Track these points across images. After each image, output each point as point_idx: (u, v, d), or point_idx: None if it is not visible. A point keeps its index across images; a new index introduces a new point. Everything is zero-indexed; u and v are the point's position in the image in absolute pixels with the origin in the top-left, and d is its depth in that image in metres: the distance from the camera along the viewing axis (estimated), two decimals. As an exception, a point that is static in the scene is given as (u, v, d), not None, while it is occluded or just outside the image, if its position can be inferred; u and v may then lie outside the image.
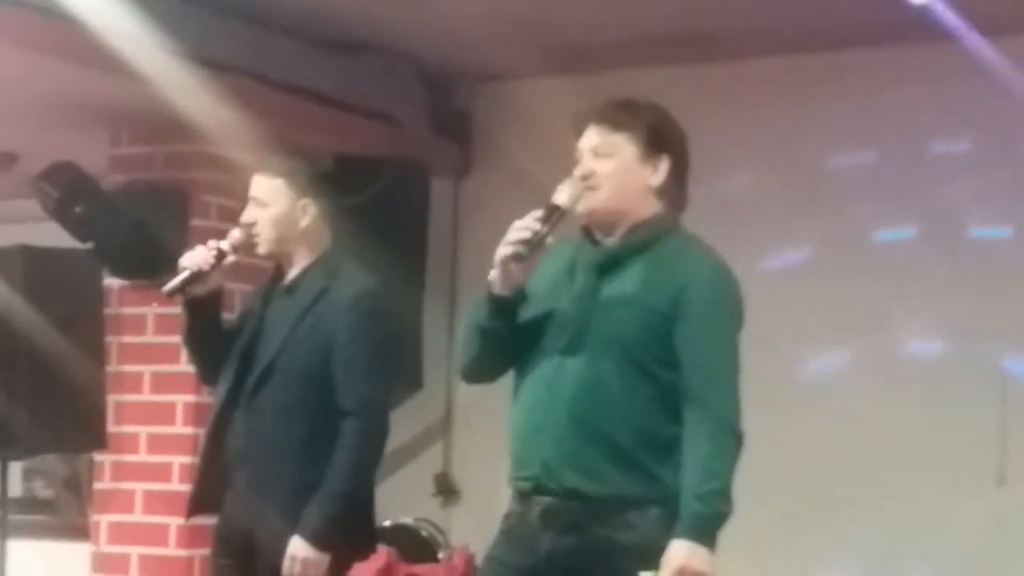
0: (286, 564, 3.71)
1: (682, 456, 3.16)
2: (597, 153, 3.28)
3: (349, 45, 5.73)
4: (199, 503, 3.96)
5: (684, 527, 3.10)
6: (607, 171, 3.26)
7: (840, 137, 5.63)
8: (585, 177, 3.26)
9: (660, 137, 3.29)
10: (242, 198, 5.59)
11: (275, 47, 5.50)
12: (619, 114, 3.30)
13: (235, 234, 3.88)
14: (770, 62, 5.66)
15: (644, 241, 3.27)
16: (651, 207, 3.29)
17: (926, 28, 4.89)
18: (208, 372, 4.01)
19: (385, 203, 5.62)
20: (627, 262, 3.26)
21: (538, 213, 3.21)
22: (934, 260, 5.46)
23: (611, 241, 3.30)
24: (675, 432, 3.18)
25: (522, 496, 3.27)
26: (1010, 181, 5.37)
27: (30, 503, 6.84)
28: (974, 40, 5.01)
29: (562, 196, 3.24)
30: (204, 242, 5.46)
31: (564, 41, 5.61)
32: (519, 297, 3.26)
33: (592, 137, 3.30)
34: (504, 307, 3.25)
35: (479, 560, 3.56)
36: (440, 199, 6.09)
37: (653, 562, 3.10)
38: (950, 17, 4.86)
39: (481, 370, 3.39)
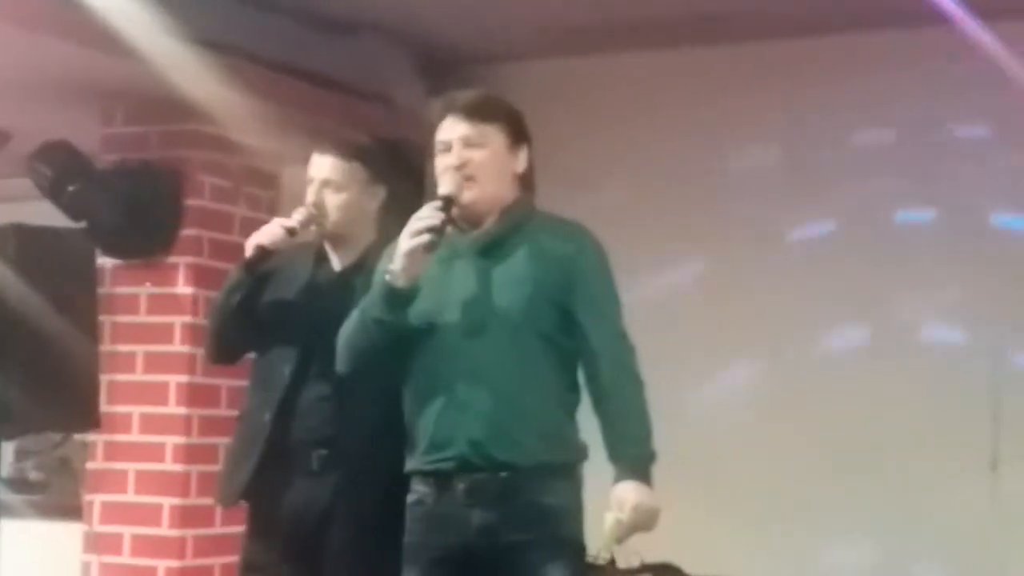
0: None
1: (601, 410, 3.36)
2: (469, 143, 3.42)
3: (346, 26, 5.71)
4: (250, 491, 3.84)
5: (627, 470, 3.31)
6: (481, 160, 3.42)
7: (860, 118, 5.61)
8: (461, 167, 3.40)
9: (521, 126, 3.49)
10: (236, 177, 5.65)
11: (271, 27, 5.49)
12: (485, 106, 3.47)
13: (302, 210, 3.85)
14: (774, 45, 5.65)
15: (518, 223, 3.44)
16: (514, 193, 3.47)
17: (933, 12, 4.89)
18: (233, 347, 3.95)
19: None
20: (506, 244, 3.43)
21: (436, 204, 3.36)
22: (932, 245, 5.46)
23: (484, 227, 3.44)
24: (576, 397, 3.42)
25: (439, 477, 3.37)
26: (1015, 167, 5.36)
27: (21, 483, 6.83)
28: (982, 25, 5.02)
29: (447, 187, 3.39)
30: (197, 222, 5.53)
31: (563, 23, 5.59)
32: (416, 289, 3.37)
33: (462, 128, 3.44)
34: (401, 300, 3.37)
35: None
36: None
37: (578, 520, 3.35)
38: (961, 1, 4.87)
39: (370, 360, 3.50)
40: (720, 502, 5.57)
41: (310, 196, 3.87)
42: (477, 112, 3.44)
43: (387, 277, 3.37)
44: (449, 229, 3.39)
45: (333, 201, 3.84)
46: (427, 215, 3.33)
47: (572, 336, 3.39)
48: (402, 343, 3.42)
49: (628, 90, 5.80)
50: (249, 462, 3.82)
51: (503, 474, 3.31)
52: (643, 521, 3.29)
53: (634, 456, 3.33)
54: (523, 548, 3.30)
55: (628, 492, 3.28)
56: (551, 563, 3.30)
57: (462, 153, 3.41)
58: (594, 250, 3.47)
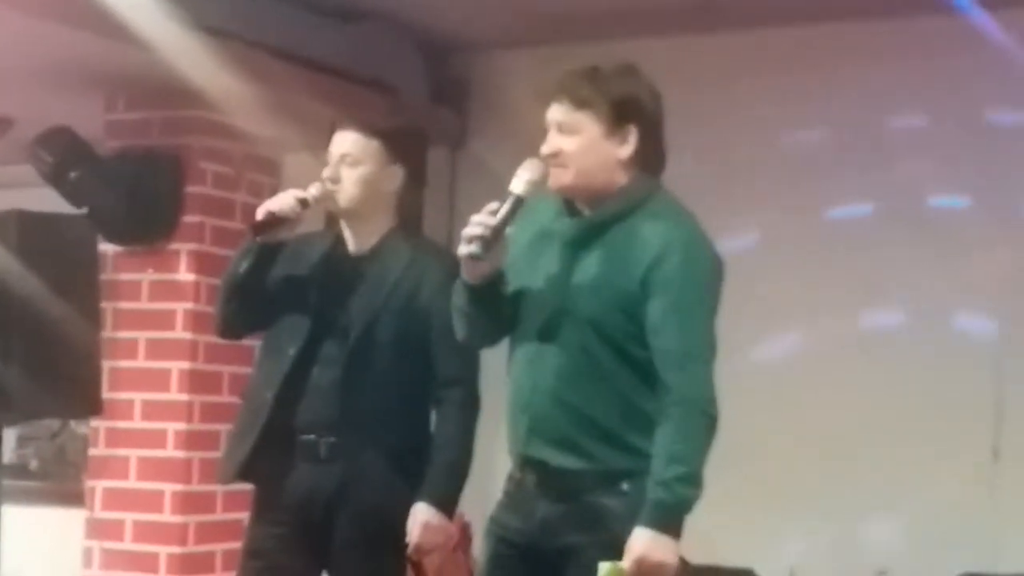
0: (415, 531, 3.66)
1: (654, 439, 3.14)
2: (562, 130, 3.26)
3: (347, 12, 5.71)
4: (249, 470, 3.83)
5: (646, 515, 3.10)
6: (573, 149, 3.24)
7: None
8: (552, 155, 3.25)
9: (626, 108, 3.25)
10: (238, 164, 5.65)
11: (273, 14, 5.47)
12: (582, 89, 3.25)
13: (318, 185, 3.81)
14: (769, 33, 5.64)
15: (616, 214, 3.24)
16: (623, 177, 3.26)
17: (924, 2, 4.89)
18: (240, 323, 3.91)
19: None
20: (600, 237, 3.24)
21: (494, 206, 3.20)
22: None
23: (586, 213, 3.28)
24: (657, 405, 3.17)
25: (519, 465, 3.31)
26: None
27: (23, 470, 6.84)
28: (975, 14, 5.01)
29: (520, 184, 3.22)
30: (199, 209, 5.53)
31: (565, 10, 5.58)
32: (496, 279, 3.25)
33: (557, 113, 3.27)
34: (481, 293, 3.26)
35: (476, 525, 3.57)
36: (437, 167, 6.07)
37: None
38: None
39: (480, 341, 3.42)
40: (723, 489, 5.52)
41: (327, 171, 3.83)
42: (571, 97, 3.24)
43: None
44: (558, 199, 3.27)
45: (349, 175, 3.81)
46: (480, 220, 3.18)
47: (648, 346, 3.16)
48: (507, 321, 3.30)
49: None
50: (248, 440, 3.80)
51: (565, 476, 3.20)
52: (647, 574, 3.10)
53: (657, 501, 3.10)
54: (581, 549, 3.19)
55: (637, 541, 3.09)
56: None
57: (556, 140, 3.26)
58: (680, 261, 3.16)
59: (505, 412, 3.32)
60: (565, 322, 3.21)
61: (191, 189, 5.55)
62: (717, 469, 5.50)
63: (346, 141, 3.84)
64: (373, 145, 3.83)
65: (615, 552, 3.10)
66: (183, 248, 5.55)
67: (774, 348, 5.67)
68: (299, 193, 3.78)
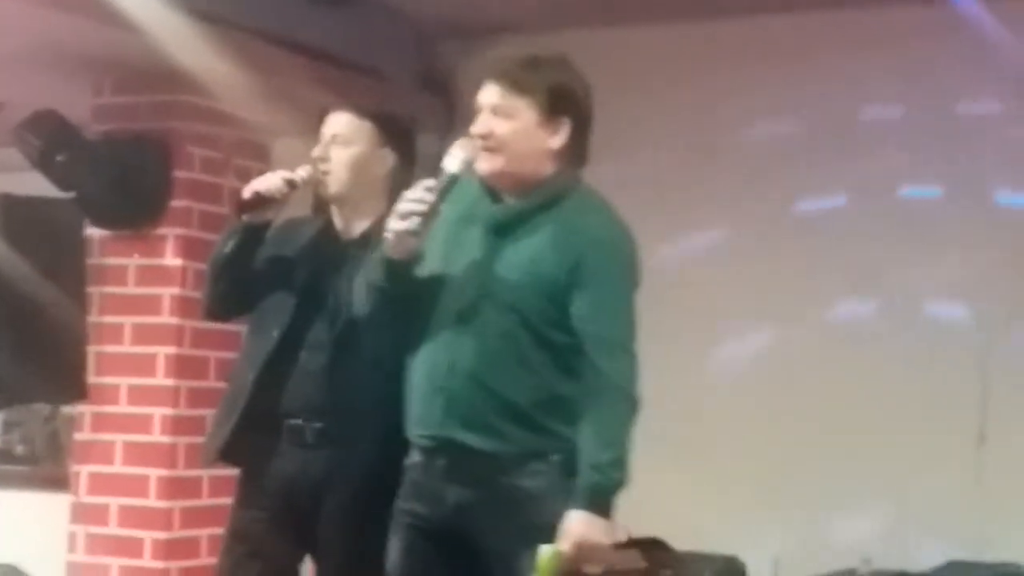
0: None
1: (580, 423, 3.20)
2: (496, 113, 3.29)
3: (337, -1, 5.69)
4: (230, 452, 3.82)
5: (581, 497, 3.16)
6: (505, 133, 3.28)
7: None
8: (484, 137, 3.28)
9: (562, 100, 3.31)
10: (226, 149, 5.63)
11: (262, -1, 5.46)
12: (522, 75, 3.29)
13: (307, 167, 3.79)
14: (767, 20, 5.64)
15: (541, 204, 3.30)
16: (549, 168, 3.31)
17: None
18: (225, 303, 3.89)
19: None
20: (524, 225, 3.29)
21: (429, 182, 3.25)
22: (930, 222, 5.45)
23: (508, 200, 3.32)
24: (572, 389, 3.23)
25: (424, 451, 3.33)
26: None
27: (9, 455, 6.83)
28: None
29: (454, 162, 3.27)
30: (186, 194, 5.51)
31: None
32: (416, 259, 3.30)
33: (493, 95, 3.31)
34: (400, 270, 3.30)
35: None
36: (426, 154, 6.05)
37: (555, 506, 3.16)
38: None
39: (384, 323, 3.44)
40: (708, 477, 5.58)
41: (317, 150, 3.82)
42: (510, 81, 3.28)
43: (384, 247, 3.30)
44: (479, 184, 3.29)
45: (339, 156, 3.79)
46: (416, 196, 3.24)
47: (569, 332, 3.23)
48: (413, 304, 3.34)
49: (630, 64, 5.78)
50: (229, 422, 3.80)
51: (479, 457, 3.24)
52: (585, 557, 3.15)
53: (593, 484, 3.16)
54: (497, 532, 3.24)
55: (574, 523, 3.14)
56: (524, 548, 3.18)
57: (489, 122, 3.29)
58: (605, 251, 3.26)
59: (410, 393, 3.34)
60: (486, 306, 3.25)
61: (179, 174, 5.53)
62: (702, 458, 5.57)
63: (338, 122, 3.83)
64: (365, 126, 3.82)
65: (533, 532, 3.15)
66: (170, 233, 5.53)
67: (758, 339, 5.67)
68: (287, 174, 3.77)
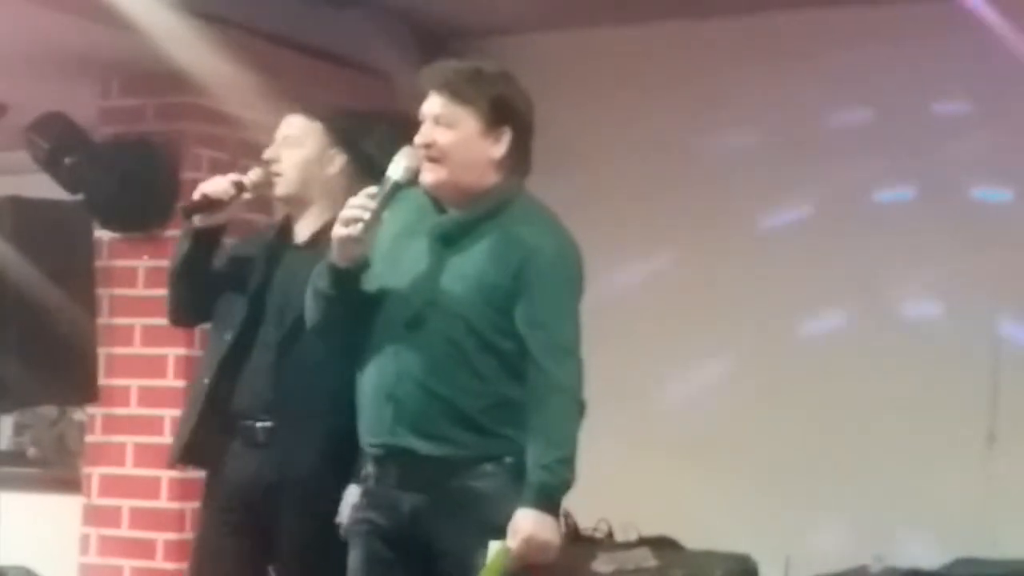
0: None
1: (528, 426, 3.24)
2: (439, 122, 3.32)
3: (342, -1, 5.70)
4: (191, 453, 3.88)
5: (530, 497, 3.19)
6: (448, 143, 3.31)
7: (839, 95, 5.60)
8: (426, 146, 3.31)
9: (503, 110, 3.34)
10: (233, 150, 5.63)
11: (268, 0, 5.47)
12: (464, 85, 3.33)
13: (257, 170, 3.81)
14: (767, 18, 5.63)
15: (485, 213, 3.33)
16: (492, 178, 3.34)
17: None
18: (185, 309, 3.93)
19: (377, 158, 5.58)
20: (469, 235, 3.32)
21: (372, 190, 3.27)
22: (930, 221, 5.45)
23: (453, 212, 3.35)
24: (521, 393, 3.27)
25: (377, 460, 3.36)
26: (1009, 142, 5.34)
27: (20, 457, 6.84)
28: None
29: (397, 170, 3.29)
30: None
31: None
32: (362, 266, 3.32)
33: (435, 105, 3.34)
34: (345, 277, 3.32)
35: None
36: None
37: (508, 506, 3.20)
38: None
39: (331, 331, 3.45)
40: (719, 476, 5.57)
41: (267, 151, 3.85)
42: (453, 91, 3.32)
43: (330, 254, 3.32)
44: (422, 199, 3.32)
45: (289, 157, 3.82)
46: (359, 203, 3.26)
47: (516, 338, 3.27)
48: (360, 313, 3.36)
49: (619, 64, 5.77)
50: (187, 425, 3.85)
51: (431, 463, 3.27)
52: (534, 554, 3.18)
53: (541, 483, 3.20)
54: (451, 533, 3.27)
55: (523, 521, 3.17)
56: (479, 548, 3.21)
57: (431, 131, 3.32)
58: (550, 258, 3.29)
59: (360, 402, 3.36)
60: (432, 315, 3.28)
61: (186, 175, 5.53)
62: (714, 457, 5.56)
63: (290, 123, 3.87)
64: (315, 127, 3.85)
65: (488, 532, 3.19)
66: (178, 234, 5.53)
67: (772, 336, 5.67)
68: (235, 177, 3.80)
